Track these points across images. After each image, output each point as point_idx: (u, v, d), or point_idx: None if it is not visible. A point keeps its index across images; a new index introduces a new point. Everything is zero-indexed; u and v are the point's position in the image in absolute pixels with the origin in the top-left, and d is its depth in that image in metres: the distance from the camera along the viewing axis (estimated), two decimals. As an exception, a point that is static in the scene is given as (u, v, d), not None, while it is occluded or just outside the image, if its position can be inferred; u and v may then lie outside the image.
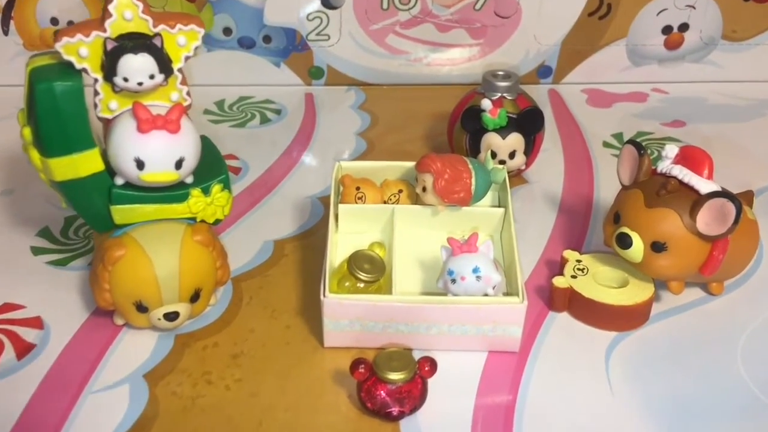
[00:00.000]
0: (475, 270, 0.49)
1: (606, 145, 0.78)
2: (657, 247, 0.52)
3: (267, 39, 0.85)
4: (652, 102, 0.87)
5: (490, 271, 0.49)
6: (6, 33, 0.83)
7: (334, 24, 0.85)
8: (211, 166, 0.53)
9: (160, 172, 0.48)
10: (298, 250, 0.61)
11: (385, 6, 0.84)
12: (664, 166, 0.54)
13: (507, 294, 0.52)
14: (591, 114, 0.84)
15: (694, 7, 0.85)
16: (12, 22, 0.82)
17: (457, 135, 0.70)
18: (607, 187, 0.70)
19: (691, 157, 0.53)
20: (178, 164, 0.49)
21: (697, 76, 0.89)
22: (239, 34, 0.85)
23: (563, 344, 0.53)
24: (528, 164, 0.69)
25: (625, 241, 0.52)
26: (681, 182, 0.52)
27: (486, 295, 0.50)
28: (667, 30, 0.87)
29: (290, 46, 0.86)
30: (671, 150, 0.54)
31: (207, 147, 0.54)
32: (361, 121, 0.82)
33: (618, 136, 0.79)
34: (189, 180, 0.51)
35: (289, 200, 0.68)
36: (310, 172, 0.73)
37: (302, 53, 0.86)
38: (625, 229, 0.52)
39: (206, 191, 0.51)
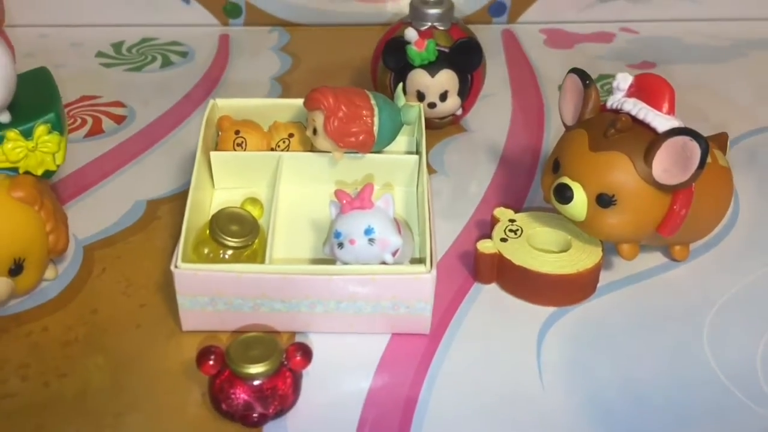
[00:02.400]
0: (368, 231, 0.38)
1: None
2: (604, 200, 0.41)
3: (172, -30, 0.73)
4: (620, 42, 0.76)
5: (387, 232, 0.38)
6: None
7: (249, -49, 0.73)
8: (38, 103, 0.41)
9: (-53, 104, 0.37)
10: (174, 212, 0.50)
11: (308, -71, 0.72)
12: (615, 101, 0.43)
13: (417, 261, 0.41)
14: (549, 56, 0.73)
15: (666, -70, 0.74)
16: None
17: (380, 73, 0.58)
18: (558, 137, 0.59)
19: (647, 88, 0.42)
20: (-24, 96, 0.37)
21: (672, 14, 0.78)
22: (139, -35, 0.73)
23: (488, 323, 0.42)
24: (465, 109, 0.58)
25: (564, 194, 0.41)
26: (634, 119, 0.41)
27: (384, 263, 0.39)
28: (636, -42, 0.75)
29: (200, -21, 0.74)
30: (624, 79, 0.43)
31: (40, 80, 0.43)
32: (280, 64, 0.71)
33: (576, 79, 0.68)
34: (3, 119, 0.40)
35: (176, 154, 0.57)
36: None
37: (215, -13, 0.75)
38: (565, 180, 0.42)
39: (27, 134, 0.40)
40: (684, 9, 0.78)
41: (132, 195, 0.52)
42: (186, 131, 0.60)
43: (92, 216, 0.49)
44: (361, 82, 0.68)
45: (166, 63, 0.70)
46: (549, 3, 0.78)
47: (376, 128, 0.44)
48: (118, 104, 0.63)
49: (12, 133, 0.40)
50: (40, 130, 0.40)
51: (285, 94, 0.66)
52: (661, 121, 0.40)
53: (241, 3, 0.76)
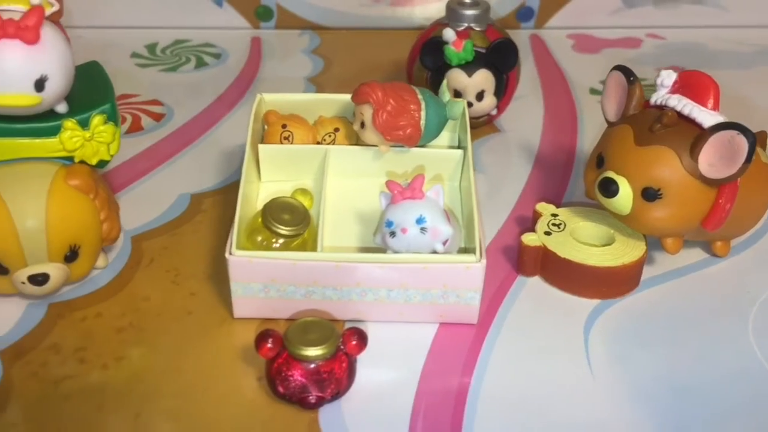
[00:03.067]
0: (420, 220, 0.39)
1: (593, 92, 0.67)
2: (649, 194, 0.41)
3: (206, -27, 0.74)
4: (647, 48, 0.76)
5: (438, 221, 0.39)
6: None
7: (282, -45, 0.74)
8: (94, 94, 0.42)
9: (13, 93, 0.38)
10: (218, 206, 0.51)
11: (341, -66, 0.73)
12: (659, 97, 0.44)
13: (464, 251, 0.42)
14: (577, 60, 0.74)
15: (694, -62, 0.75)
16: None
17: (417, 73, 0.59)
18: (593, 137, 0.60)
19: (692, 84, 0.43)
20: (39, 84, 0.38)
21: (697, 20, 0.79)
22: (174, -33, 0.74)
23: (533, 315, 0.43)
24: (500, 109, 0.59)
25: (609, 188, 0.42)
26: (680, 114, 0.42)
27: (434, 252, 0.40)
28: (663, -35, 0.76)
29: (233, -18, 0.75)
30: (668, 76, 0.44)
31: (94, 73, 0.43)
32: (312, 65, 0.72)
33: (606, 82, 0.69)
34: (62, 109, 0.41)
35: (216, 150, 0.57)
36: (244, 119, 0.62)
37: (248, -10, 0.76)
38: (610, 174, 0.42)
39: (84, 123, 0.41)
40: (709, 15, 0.79)
41: (175, 189, 0.52)
42: (223, 129, 0.61)
43: (138, 209, 0.50)
44: (393, 84, 0.69)
45: (201, 64, 0.71)
46: (576, 9, 0.78)
47: (422, 122, 0.44)
48: (156, 102, 0.64)
49: (70, 123, 0.41)
50: (97, 120, 0.41)
51: (319, 93, 0.67)
52: (706, 116, 0.41)
53: (272, 6, 0.77)
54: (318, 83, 0.68)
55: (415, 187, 0.40)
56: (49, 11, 0.39)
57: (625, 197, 0.42)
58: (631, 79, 0.44)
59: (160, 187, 0.53)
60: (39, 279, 0.40)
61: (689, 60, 0.74)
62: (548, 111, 0.65)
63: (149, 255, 0.46)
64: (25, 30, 0.37)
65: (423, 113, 0.44)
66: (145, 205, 0.50)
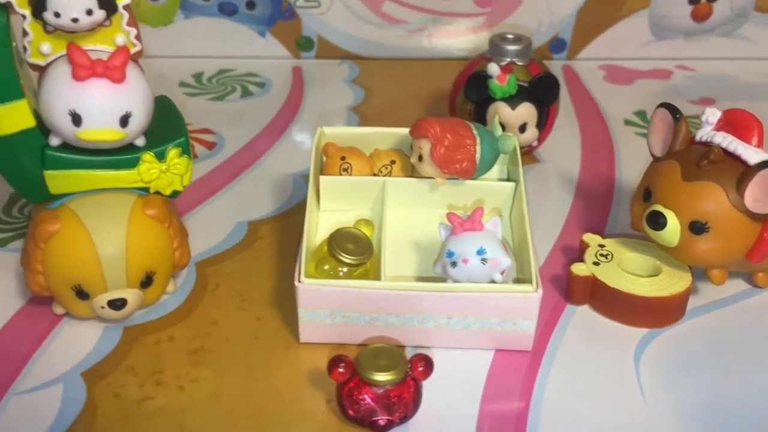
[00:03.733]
0: (480, 251, 0.41)
1: (628, 123, 0.70)
2: (697, 227, 0.43)
3: (251, 5, 0.77)
4: (677, 79, 0.79)
5: (497, 252, 0.41)
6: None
7: (325, -11, 0.77)
8: (168, 128, 0.45)
9: (100, 129, 0.40)
10: (275, 233, 0.53)
11: (381, -31, 0.76)
12: (704, 134, 0.46)
13: (517, 281, 0.44)
14: (609, 91, 0.76)
15: (724, -26, 0.77)
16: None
17: (460, 106, 0.62)
18: (630, 168, 0.62)
19: (737, 123, 0.45)
20: (124, 120, 0.40)
21: (727, 52, 0.81)
22: None
23: (584, 342, 0.44)
24: (540, 140, 0.61)
25: (657, 221, 0.44)
26: (725, 151, 0.44)
27: (493, 281, 0.42)
28: (694, 0, 0.78)
29: (276, 14, 0.78)
30: (713, 114, 0.46)
31: (165, 107, 0.46)
32: (354, 95, 0.74)
33: (641, 114, 0.71)
34: (140, 142, 0.43)
35: (269, 178, 0.60)
36: (293, 148, 0.65)
37: (290, 21, 0.78)
38: (659, 207, 0.44)
39: (161, 156, 0.43)
40: (738, 48, 0.81)
41: (233, 216, 0.55)
42: (273, 157, 0.63)
43: (199, 235, 0.52)
44: (433, 114, 0.71)
45: (246, 93, 0.73)
46: (607, 40, 0.81)
47: (478, 156, 0.47)
48: (208, 131, 0.66)
49: (148, 155, 0.43)
50: (172, 153, 0.44)
51: (362, 123, 0.69)
52: (751, 153, 0.43)
53: (313, 37, 0.79)
54: (361, 113, 0.71)
55: (475, 219, 0.42)
56: (132, 51, 0.42)
57: (673, 230, 0.44)
58: (677, 116, 0.46)
59: (217, 215, 0.55)
60: (117, 304, 0.42)
61: (719, 92, 0.76)
62: (585, 141, 0.67)
63: (214, 280, 0.48)
64: (112, 70, 0.39)
65: (478, 147, 0.47)
66: (205, 232, 0.52)
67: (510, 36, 0.61)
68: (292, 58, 0.80)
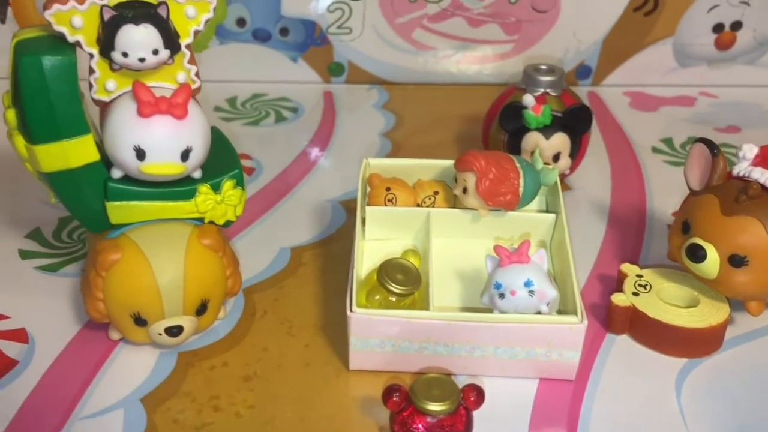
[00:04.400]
0: (528, 283, 0.42)
1: (655, 150, 0.71)
2: (736, 261, 0.45)
3: (284, 31, 0.79)
4: (701, 106, 0.80)
5: (544, 285, 0.42)
6: (3, 21, 0.77)
7: (356, 16, 0.78)
8: (222, 160, 0.46)
9: (163, 163, 0.42)
10: (317, 259, 0.54)
11: (412, -3, 0.78)
12: (741, 169, 0.47)
13: (560, 312, 0.45)
14: (635, 118, 0.77)
15: (748, 4, 0.78)
16: (9, 10, 0.76)
17: (494, 135, 0.63)
18: (660, 196, 0.63)
19: (774, 159, 0.46)
20: (185, 155, 0.42)
21: (750, 80, 0.82)
22: (254, 26, 0.78)
23: (626, 371, 0.46)
24: (572, 169, 0.62)
25: (697, 254, 0.45)
26: (763, 187, 0.45)
27: (539, 312, 0.43)
28: (718, 28, 0.80)
29: (309, 40, 0.80)
30: (749, 150, 0.47)
31: (218, 139, 0.47)
32: (385, 121, 0.76)
33: (668, 141, 0.72)
34: (197, 175, 0.45)
35: (307, 204, 0.61)
36: (329, 174, 0.66)
37: (321, 47, 0.80)
38: (698, 240, 0.45)
39: (216, 188, 0.45)
40: (762, 75, 0.82)
41: (275, 242, 0.56)
42: (311, 182, 0.64)
43: (244, 261, 0.53)
44: (464, 139, 0.73)
45: (280, 118, 0.75)
46: (632, 67, 0.82)
47: (521, 189, 0.48)
48: (246, 156, 0.68)
49: (204, 187, 0.44)
50: (227, 185, 0.45)
51: (395, 149, 0.70)
52: (789, 189, 0.44)
53: (344, 63, 0.81)
54: (393, 138, 0.72)
55: (522, 252, 0.43)
56: (193, 87, 0.43)
57: (712, 263, 0.45)
58: (715, 151, 0.47)
59: (260, 241, 0.56)
60: (174, 331, 0.43)
61: (744, 119, 0.77)
62: (614, 169, 0.68)
63: (262, 307, 0.50)
64: (176, 107, 0.41)
65: (521, 181, 0.48)
66: (249, 258, 0.53)
67: (543, 67, 0.63)
68: (322, 83, 0.82)
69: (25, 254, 0.54)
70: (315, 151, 0.69)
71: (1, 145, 0.66)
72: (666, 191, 0.64)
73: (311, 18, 0.78)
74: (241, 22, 0.78)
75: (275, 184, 0.64)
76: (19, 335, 0.46)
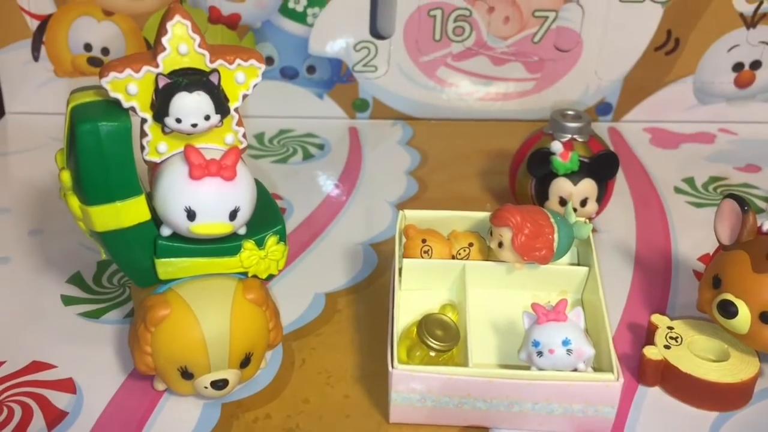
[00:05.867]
0: (566, 342, 0.43)
1: (678, 191, 0.72)
2: (767, 317, 0.46)
3: (311, 69, 0.80)
4: (721, 144, 0.81)
5: (581, 343, 0.44)
6: (36, 59, 0.78)
7: (382, 55, 0.80)
8: (265, 215, 0.47)
9: (213, 223, 0.43)
10: (352, 305, 0.56)
11: (437, 37, 0.79)
12: (771, 225, 0.48)
13: (595, 368, 0.46)
14: (656, 155, 0.79)
15: (767, 44, 0.80)
16: (43, 48, 0.78)
17: (521, 179, 0.64)
18: (684, 240, 0.64)
19: (803, 216, 0.47)
20: (233, 215, 0.43)
21: (768, 117, 0.84)
22: (282, 64, 0.80)
23: (659, 424, 0.47)
24: (598, 212, 0.63)
25: (729, 310, 0.46)
26: (793, 244, 0.46)
27: (575, 370, 0.44)
28: (738, 67, 0.81)
29: (335, 78, 0.81)
30: (779, 206, 0.48)
31: (261, 193, 0.48)
32: (410, 159, 0.77)
33: (689, 181, 0.74)
34: (242, 231, 0.46)
35: (339, 246, 0.62)
36: (358, 215, 0.67)
37: (347, 85, 0.81)
38: (730, 296, 0.47)
39: (260, 243, 0.46)
40: (780, 113, 0.84)
41: (309, 287, 0.57)
42: (342, 223, 0.66)
43: (280, 308, 0.54)
44: (488, 175, 0.74)
45: (307, 155, 0.76)
46: (652, 104, 0.83)
47: (555, 244, 0.49)
48: (277, 197, 0.69)
49: (249, 244, 0.46)
50: (271, 241, 0.46)
51: (421, 188, 0.72)
52: (819, 248, 0.46)
53: (369, 99, 0.82)
54: (418, 177, 0.73)
55: (559, 311, 0.44)
56: (240, 147, 0.45)
57: (743, 319, 0.46)
58: (746, 208, 0.48)
59: (294, 286, 0.57)
60: (219, 384, 0.44)
61: (763, 156, 0.78)
62: (638, 210, 0.69)
63: (300, 356, 0.51)
64: (225, 169, 0.42)
65: (556, 236, 0.49)
66: (285, 304, 0.55)
67: (570, 113, 0.64)
68: (347, 119, 0.83)
69: (67, 300, 0.55)
70: (343, 192, 0.71)
71: (35, 187, 0.68)
72: (690, 233, 0.65)
73: (338, 56, 0.80)
74: (269, 60, 0.80)
75: (306, 224, 0.65)
76: (67, 385, 0.48)
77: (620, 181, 0.73)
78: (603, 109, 0.84)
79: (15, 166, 0.73)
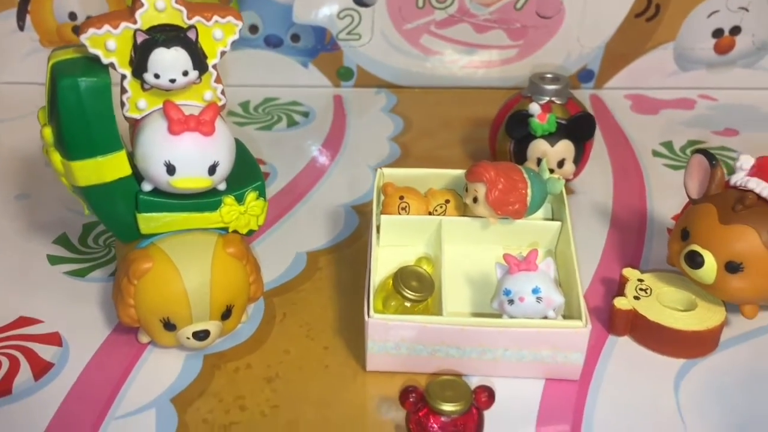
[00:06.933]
0: (536, 290, 0.45)
1: (656, 154, 0.73)
2: (732, 267, 0.47)
3: (295, 38, 0.81)
4: (700, 109, 0.82)
5: (551, 291, 0.45)
6: (22, 28, 0.79)
7: (366, 23, 0.81)
8: (245, 172, 0.48)
9: (192, 177, 0.44)
10: (332, 264, 0.57)
11: (420, 4, 0.80)
12: (738, 179, 0.49)
13: (566, 316, 0.48)
14: (636, 121, 0.80)
15: (747, 10, 0.81)
16: (28, 17, 0.78)
17: (500, 141, 0.65)
18: (660, 200, 0.66)
19: (768, 169, 0.49)
20: (212, 169, 0.44)
21: (749, 83, 0.85)
22: (266, 32, 0.81)
23: (627, 371, 0.48)
24: (576, 174, 0.65)
25: (695, 260, 0.48)
26: (759, 196, 0.48)
27: (545, 317, 0.45)
28: (717, 33, 0.82)
29: (319, 46, 0.82)
30: (746, 161, 0.49)
31: (240, 151, 0.49)
32: (393, 125, 0.78)
33: (668, 145, 0.75)
34: (221, 187, 0.47)
35: (321, 209, 0.64)
36: (340, 178, 0.69)
37: (332, 53, 0.82)
38: (696, 247, 0.48)
39: (240, 199, 0.47)
40: (760, 79, 0.85)
41: (292, 247, 0.59)
42: (325, 187, 0.67)
43: (262, 266, 0.55)
44: (470, 141, 0.75)
45: (292, 123, 0.77)
46: (634, 71, 0.84)
47: (528, 199, 0.50)
48: (260, 161, 0.70)
49: (229, 199, 0.47)
50: (251, 196, 0.47)
51: (404, 154, 0.73)
52: (784, 199, 0.47)
53: (353, 67, 0.83)
54: (401, 143, 0.75)
55: (530, 260, 0.46)
56: (219, 104, 0.46)
57: (709, 269, 0.48)
58: (713, 162, 0.50)
59: (277, 246, 0.59)
60: (201, 335, 0.46)
61: (742, 122, 0.79)
62: (616, 172, 0.70)
63: (281, 310, 0.52)
64: (204, 124, 0.43)
65: (529, 191, 0.50)
66: (267, 263, 0.56)
67: (549, 75, 0.65)
68: (332, 87, 0.84)
69: (53, 259, 0.56)
70: (326, 156, 0.72)
71: (22, 154, 0.69)
72: (666, 195, 0.67)
73: (322, 25, 0.80)
74: (253, 28, 0.80)
75: (289, 188, 0.67)
76: (53, 339, 0.49)
77: (600, 146, 0.74)
78: (585, 75, 0.85)
79: (2, 134, 0.74)
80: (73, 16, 0.79)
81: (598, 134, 0.77)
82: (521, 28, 0.81)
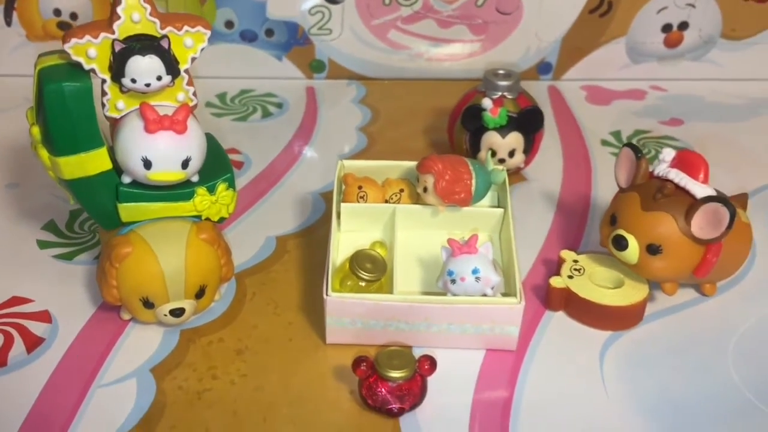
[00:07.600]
0: (475, 271, 0.50)
1: (604, 143, 0.79)
2: (652, 249, 0.53)
3: (269, 32, 0.86)
4: (651, 99, 0.88)
5: (489, 272, 0.51)
6: (9, 24, 0.83)
7: (336, 18, 0.85)
8: (216, 165, 0.54)
9: (166, 171, 0.49)
10: (300, 247, 0.62)
11: (387, 1, 0.84)
12: (660, 170, 0.55)
13: (505, 294, 0.53)
14: (590, 111, 0.85)
15: (694, 6, 0.86)
16: (15, 13, 0.83)
17: (457, 133, 0.71)
18: (604, 186, 0.71)
19: (687, 161, 0.54)
20: (185, 164, 0.49)
21: (696, 74, 0.90)
22: (241, 28, 0.85)
23: (559, 343, 0.54)
24: (527, 163, 0.70)
25: (621, 243, 0.53)
26: (677, 186, 0.53)
27: (485, 295, 0.51)
28: (666, 28, 0.87)
29: (292, 40, 0.86)
30: (668, 154, 0.55)
31: (211, 145, 0.54)
32: (362, 116, 0.83)
33: (616, 134, 0.80)
34: (194, 178, 0.52)
35: (291, 196, 0.69)
36: (312, 167, 0.74)
37: (304, 47, 0.87)
38: (621, 232, 0.54)
39: (211, 190, 0.52)
40: (706, 70, 0.90)
41: (263, 231, 0.64)
42: (296, 175, 0.72)
43: (235, 250, 0.60)
44: (433, 131, 0.80)
45: (266, 114, 0.82)
46: (589, 63, 0.90)
47: (473, 188, 0.56)
48: (235, 151, 0.75)
49: (201, 190, 0.52)
50: (221, 187, 0.53)
51: (370, 143, 0.78)
52: (698, 189, 0.52)
53: (325, 60, 0.88)
54: (368, 133, 0.80)
55: (471, 244, 0.51)
56: (191, 105, 0.51)
57: (633, 251, 0.53)
58: (639, 155, 0.55)
59: (249, 230, 0.64)
60: (177, 312, 0.51)
61: (688, 111, 0.85)
62: (567, 160, 0.76)
63: (252, 290, 0.57)
64: (177, 123, 0.48)
65: (474, 181, 0.56)
66: (240, 246, 0.61)
67: (501, 72, 0.70)
68: (305, 79, 0.89)
69: (42, 244, 0.61)
70: (298, 146, 0.77)
71: (12, 144, 0.74)
72: (610, 182, 0.71)
73: (294, 20, 0.85)
74: (229, 24, 0.85)
75: (263, 176, 0.71)
76: (43, 316, 0.54)
77: (554, 135, 0.80)
78: (544, 68, 0.90)
79: (-8, 125, 0.79)
80: (57, 12, 0.83)
81: (553, 124, 0.82)
82: (482, 23, 0.86)
